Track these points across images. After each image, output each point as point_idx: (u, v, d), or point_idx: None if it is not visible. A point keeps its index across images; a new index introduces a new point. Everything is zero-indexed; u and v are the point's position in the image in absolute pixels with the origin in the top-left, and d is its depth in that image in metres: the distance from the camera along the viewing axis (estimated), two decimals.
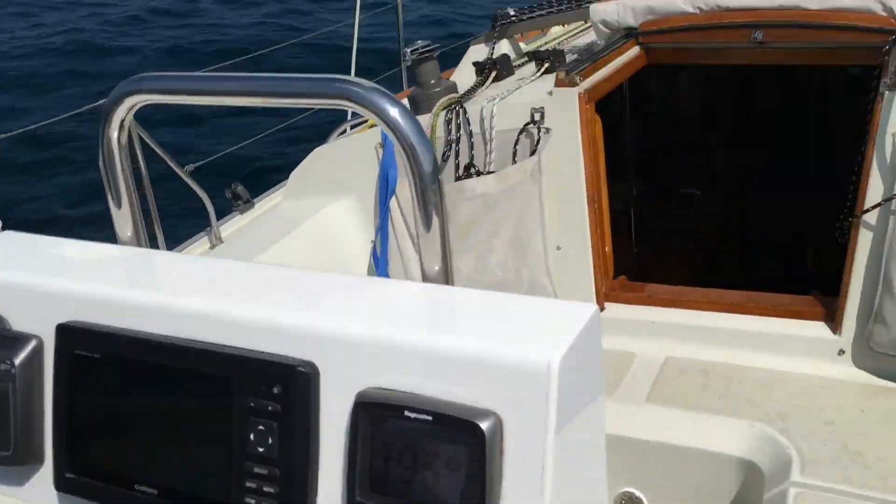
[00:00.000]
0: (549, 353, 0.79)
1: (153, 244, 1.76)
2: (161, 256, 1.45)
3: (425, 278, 1.13)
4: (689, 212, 4.26)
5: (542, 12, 3.36)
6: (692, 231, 4.12)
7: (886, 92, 2.17)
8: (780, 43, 2.81)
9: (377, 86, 1.07)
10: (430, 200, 1.08)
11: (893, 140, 2.15)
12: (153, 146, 2.44)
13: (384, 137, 2.73)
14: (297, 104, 1.16)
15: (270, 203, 3.04)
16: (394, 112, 1.04)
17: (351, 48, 4.12)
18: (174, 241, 2.82)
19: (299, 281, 1.06)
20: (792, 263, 3.61)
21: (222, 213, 2.99)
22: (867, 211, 2.22)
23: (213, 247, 2.75)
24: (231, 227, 2.88)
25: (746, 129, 4.35)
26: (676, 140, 4.35)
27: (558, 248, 2.63)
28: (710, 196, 4.30)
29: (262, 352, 0.90)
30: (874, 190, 2.21)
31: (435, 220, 1.09)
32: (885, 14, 2.65)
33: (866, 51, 2.68)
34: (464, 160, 2.64)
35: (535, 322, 0.88)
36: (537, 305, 0.93)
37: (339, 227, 2.81)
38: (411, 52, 2.76)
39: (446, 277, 1.13)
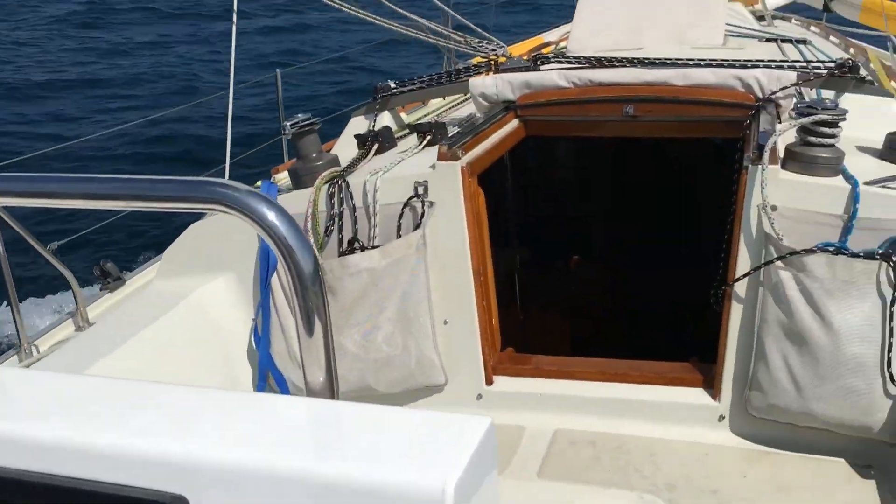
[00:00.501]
0: (443, 477, 0.74)
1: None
2: (10, 373, 1.32)
3: (309, 391, 1.05)
4: (573, 281, 4.36)
5: (423, 85, 3.39)
6: (576, 300, 4.21)
7: (749, 166, 2.27)
8: (650, 117, 2.93)
9: (252, 189, 1.01)
10: (311, 304, 1.01)
11: (758, 212, 2.25)
12: (14, 226, 2.27)
13: None
14: (165, 208, 1.08)
15: (143, 280, 2.89)
16: (271, 216, 0.99)
17: (232, 118, 4.03)
18: (39, 317, 2.64)
19: (169, 398, 0.96)
20: (673, 331, 3.72)
21: (90, 293, 2.82)
22: (738, 280, 2.30)
23: (79, 329, 2.58)
24: (99, 307, 2.71)
25: (622, 201, 4.51)
26: (557, 210, 4.46)
27: (445, 322, 2.60)
28: (591, 266, 4.41)
29: (127, 486, 0.81)
30: (743, 260, 2.30)
31: (318, 326, 1.03)
32: (744, 90, 2.82)
33: (729, 124, 2.83)
34: (347, 235, 2.59)
35: (427, 440, 0.83)
36: (429, 421, 0.87)
37: (218, 305, 2.68)
38: (291, 125, 2.70)
39: (332, 389, 1.05)
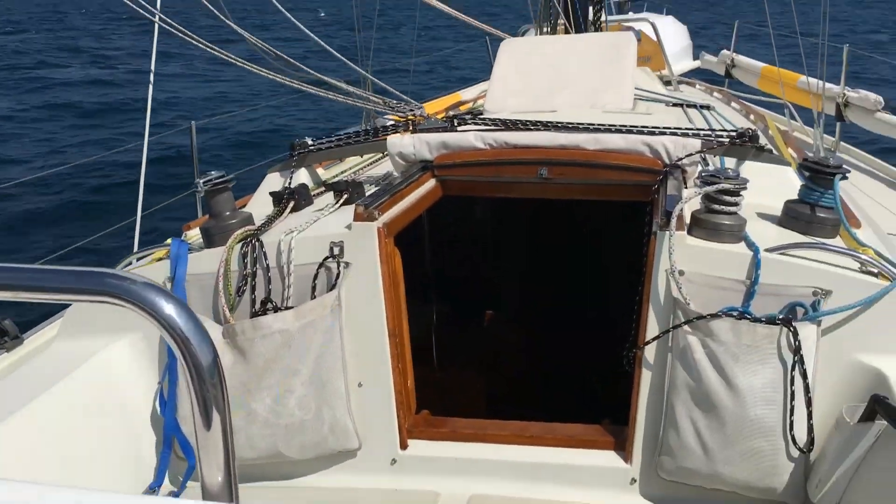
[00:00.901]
0: None
1: None
2: None
3: (206, 495, 0.99)
4: (488, 340, 4.38)
5: (341, 143, 3.39)
6: (492, 358, 4.22)
7: (658, 231, 2.34)
8: (564, 179, 3.00)
9: (149, 280, 0.98)
10: (210, 397, 0.97)
11: (666, 277, 2.31)
12: None
13: (173, 269, 2.57)
14: (57, 300, 1.02)
15: (43, 339, 2.75)
16: (168, 309, 0.96)
17: (141, 169, 3.93)
18: None
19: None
20: (584, 393, 3.77)
21: None
22: (648, 343, 2.35)
23: None
24: None
25: (537, 261, 4.58)
26: (474, 269, 4.50)
27: (360, 385, 2.56)
28: (506, 325, 4.45)
29: None
30: (653, 323, 2.36)
31: (216, 420, 0.98)
32: (652, 156, 2.92)
33: (638, 188, 2.92)
34: (260, 295, 2.54)
35: None
36: None
37: (122, 368, 2.57)
38: (204, 182, 2.65)
39: (230, 492, 0.99)
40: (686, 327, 2.24)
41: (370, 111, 5.67)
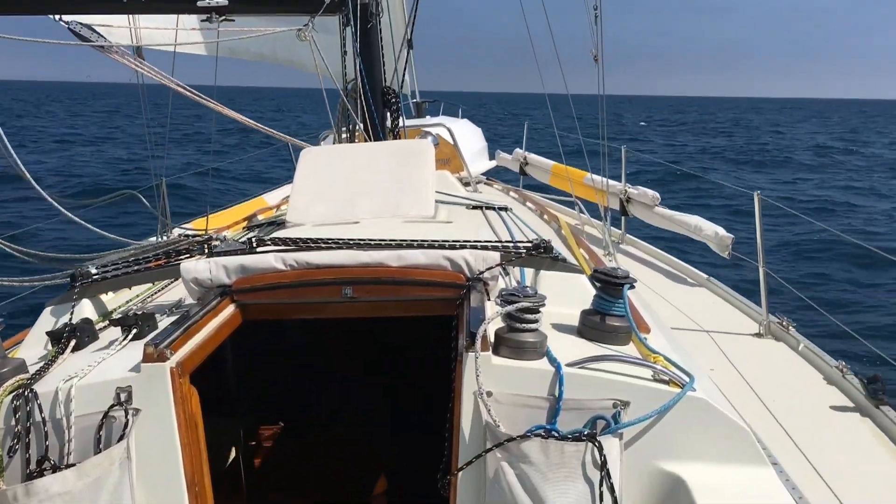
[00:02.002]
0: None
1: None
2: None
3: None
4: (304, 462, 4.18)
5: (129, 269, 3.16)
6: (305, 483, 4.03)
7: (464, 353, 2.33)
8: (369, 297, 2.95)
9: None
10: None
11: (475, 399, 2.30)
12: None
13: None
14: None
15: None
16: None
17: None
18: None
19: None
20: None
21: None
22: (461, 469, 2.31)
23: None
24: None
25: (353, 379, 4.48)
26: (285, 389, 4.32)
27: None
28: (326, 448, 4.29)
29: None
30: (465, 447, 2.32)
31: None
32: (454, 270, 2.95)
33: (444, 303, 2.93)
34: (36, 453, 2.24)
35: None
36: None
37: None
38: None
39: None
40: (497, 450, 2.22)
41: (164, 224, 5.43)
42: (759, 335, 4.94)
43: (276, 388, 4.36)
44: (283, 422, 4.42)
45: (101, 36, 4.83)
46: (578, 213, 6.82)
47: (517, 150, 11.35)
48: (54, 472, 2.20)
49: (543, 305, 2.42)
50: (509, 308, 2.38)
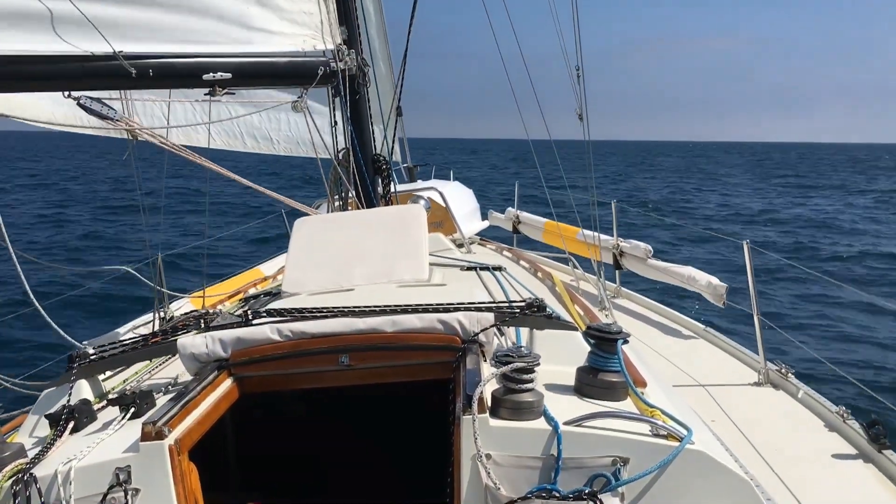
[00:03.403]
0: None
1: None
2: None
3: None
4: None
5: (126, 349, 3.17)
6: None
7: (462, 416, 2.34)
8: (366, 364, 2.97)
9: None
10: None
11: (474, 462, 2.30)
12: None
13: None
14: None
15: None
16: None
17: None
18: None
19: None
20: None
21: None
22: None
23: None
24: None
25: (356, 447, 4.45)
26: (286, 457, 4.28)
27: None
28: None
29: None
30: None
31: None
32: (449, 333, 2.97)
33: (440, 366, 2.95)
34: None
35: None
36: None
37: None
38: None
39: None
40: None
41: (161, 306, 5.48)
42: (758, 384, 4.94)
43: (276, 461, 4.32)
44: (283, 497, 4.37)
45: (112, 108, 4.93)
46: (572, 269, 6.87)
47: (509, 209, 11.46)
48: None
49: (538, 364, 2.44)
50: (504, 369, 2.40)
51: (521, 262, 6.61)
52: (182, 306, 6.32)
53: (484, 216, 11.12)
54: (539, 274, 5.97)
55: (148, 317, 5.96)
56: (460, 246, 7.17)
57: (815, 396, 4.55)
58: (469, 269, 5.42)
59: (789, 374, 4.90)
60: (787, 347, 7.57)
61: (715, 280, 6.14)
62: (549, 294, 4.83)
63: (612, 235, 7.80)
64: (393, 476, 4.34)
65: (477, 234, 9.06)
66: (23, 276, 3.59)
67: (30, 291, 3.68)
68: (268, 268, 8.18)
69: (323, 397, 4.36)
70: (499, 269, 5.43)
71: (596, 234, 7.55)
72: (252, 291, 6.01)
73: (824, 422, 4.19)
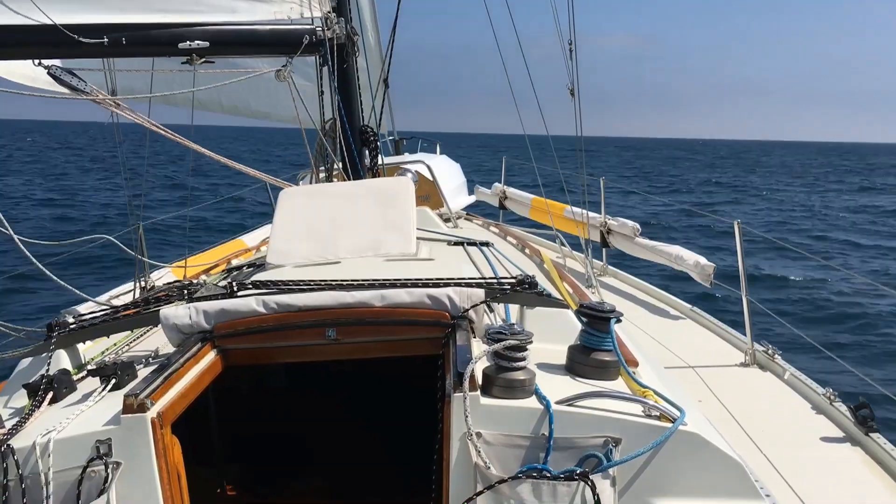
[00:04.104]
0: None
1: None
2: None
3: None
4: None
5: (107, 318, 3.09)
6: None
7: (452, 394, 2.29)
8: (353, 338, 2.91)
9: None
10: None
11: (464, 440, 2.25)
12: None
13: None
14: None
15: None
16: None
17: None
18: None
19: None
20: None
21: None
22: None
23: None
24: None
25: (340, 421, 4.40)
26: (268, 432, 4.23)
27: None
28: (314, 492, 4.19)
29: None
30: (455, 490, 2.27)
31: None
32: (438, 309, 2.91)
33: (429, 342, 2.89)
34: None
35: None
36: None
37: None
38: None
39: None
40: (488, 493, 2.18)
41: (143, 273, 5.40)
42: (744, 364, 4.93)
43: (259, 435, 4.28)
44: (267, 469, 4.32)
45: (83, 80, 4.81)
46: (560, 247, 6.82)
47: (496, 184, 11.39)
48: None
49: (531, 343, 2.39)
50: (497, 346, 2.35)
51: (509, 239, 6.56)
52: (163, 276, 6.23)
53: (470, 191, 11.05)
54: (527, 250, 5.92)
55: (128, 286, 5.87)
56: (447, 220, 7.10)
57: (801, 378, 4.54)
58: (456, 244, 5.35)
59: (776, 356, 4.89)
60: (772, 328, 7.58)
61: (703, 259, 6.12)
62: (538, 271, 4.78)
63: (600, 213, 7.76)
64: (378, 452, 4.31)
65: (463, 210, 8.99)
66: (14, 235, 3.48)
67: (28, 254, 3.57)
68: (250, 239, 8.07)
69: (307, 372, 4.31)
70: (486, 244, 5.37)
71: (584, 210, 7.50)
72: (235, 262, 5.91)
73: (811, 404, 4.19)
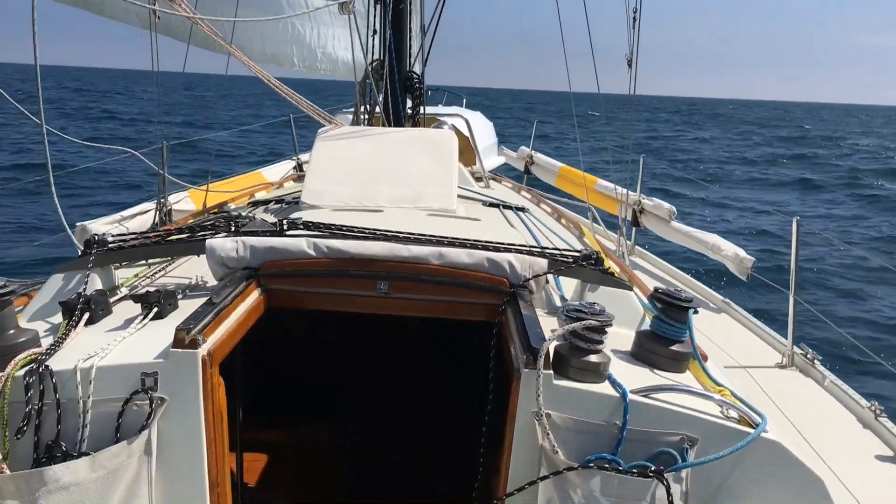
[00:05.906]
0: None
1: None
2: None
3: None
4: (323, 469, 3.98)
5: (148, 241, 2.92)
6: (324, 484, 3.84)
7: (523, 370, 2.13)
8: (405, 294, 2.76)
9: None
10: None
11: (531, 420, 2.10)
12: None
13: None
14: None
15: None
16: None
17: None
18: None
19: None
20: None
21: None
22: (510, 494, 2.12)
23: None
24: None
25: (381, 378, 4.28)
26: (305, 383, 4.12)
27: None
28: (345, 453, 4.10)
29: None
30: (515, 471, 2.14)
31: None
32: (497, 274, 2.75)
33: (484, 308, 2.74)
34: (47, 437, 2.02)
35: None
36: None
37: None
38: None
39: None
40: (553, 478, 2.04)
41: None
42: (781, 366, 4.78)
43: (291, 381, 4.16)
44: (299, 418, 4.22)
45: None
46: (591, 222, 6.63)
47: (523, 147, 11.14)
48: (65, 459, 1.98)
49: (611, 325, 2.24)
50: (576, 325, 2.19)
51: (542, 206, 6.37)
52: (181, 199, 6.06)
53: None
54: (563, 220, 5.74)
55: (147, 205, 5.71)
56: (478, 180, 6.91)
57: (842, 387, 4.39)
58: (492, 205, 5.18)
59: (815, 360, 4.74)
60: (810, 332, 7.40)
61: (742, 252, 5.92)
62: (579, 245, 4.62)
63: (636, 191, 7.54)
64: (411, 409, 4.20)
65: (492, 171, 8.79)
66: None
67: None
68: (270, 174, 7.88)
69: (347, 322, 4.16)
70: (522, 209, 5.20)
71: (619, 187, 7.31)
72: (259, 196, 5.73)
73: (856, 416, 4.05)
